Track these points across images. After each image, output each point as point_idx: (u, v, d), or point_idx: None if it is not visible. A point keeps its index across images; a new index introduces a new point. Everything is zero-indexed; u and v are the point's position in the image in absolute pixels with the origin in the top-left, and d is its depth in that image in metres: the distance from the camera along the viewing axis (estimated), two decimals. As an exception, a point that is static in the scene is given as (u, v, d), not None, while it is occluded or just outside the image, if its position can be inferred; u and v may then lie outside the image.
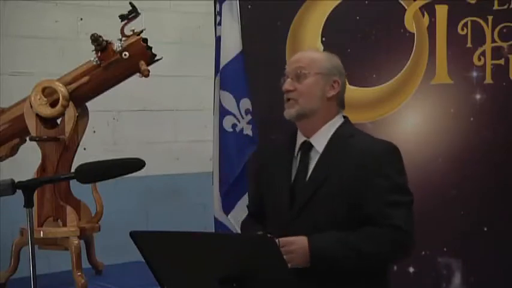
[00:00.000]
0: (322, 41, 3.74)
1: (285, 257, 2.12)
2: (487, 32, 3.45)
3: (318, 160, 2.44)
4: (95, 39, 3.35)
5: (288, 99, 2.46)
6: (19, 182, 2.03)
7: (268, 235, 2.16)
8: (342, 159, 2.39)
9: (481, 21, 3.46)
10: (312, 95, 2.44)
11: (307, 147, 2.47)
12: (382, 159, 2.38)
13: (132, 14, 3.40)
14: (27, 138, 3.61)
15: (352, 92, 3.63)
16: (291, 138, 2.55)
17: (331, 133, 2.46)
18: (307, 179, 2.43)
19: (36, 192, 2.09)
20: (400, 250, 2.37)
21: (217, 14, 3.92)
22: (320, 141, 2.45)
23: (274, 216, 2.47)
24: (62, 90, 3.43)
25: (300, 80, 2.44)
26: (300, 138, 2.50)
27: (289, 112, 2.45)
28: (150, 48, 3.46)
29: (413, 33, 3.60)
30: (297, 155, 2.49)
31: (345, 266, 2.32)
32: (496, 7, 3.44)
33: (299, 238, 2.31)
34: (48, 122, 3.50)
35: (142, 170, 2.15)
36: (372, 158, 2.37)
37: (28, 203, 2.00)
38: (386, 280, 2.48)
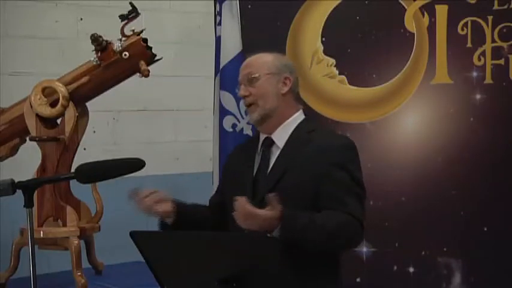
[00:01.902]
0: (322, 41, 3.73)
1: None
2: (487, 32, 3.45)
3: (278, 155, 2.49)
4: (95, 39, 3.35)
5: (249, 105, 2.51)
6: (19, 182, 2.03)
7: (268, 235, 2.17)
8: (302, 153, 2.44)
9: (481, 21, 3.46)
10: (267, 95, 2.49)
11: (269, 143, 2.53)
12: (343, 153, 2.43)
13: (132, 14, 3.41)
14: (27, 138, 3.61)
15: (352, 92, 3.63)
16: (256, 136, 2.61)
17: (292, 128, 2.52)
18: (267, 172, 2.48)
19: (36, 192, 2.10)
20: (354, 238, 2.40)
21: (217, 14, 3.92)
22: (281, 137, 2.51)
23: None
24: (62, 90, 3.44)
25: (252, 83, 2.50)
26: (263, 135, 2.56)
27: (253, 117, 2.51)
28: (150, 48, 3.47)
29: (413, 33, 3.60)
30: (260, 151, 2.54)
31: (311, 238, 2.29)
32: (496, 7, 3.44)
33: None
34: (48, 122, 3.50)
35: (142, 170, 2.15)
36: (333, 152, 2.42)
37: (28, 203, 2.01)
38: (340, 273, 2.50)
